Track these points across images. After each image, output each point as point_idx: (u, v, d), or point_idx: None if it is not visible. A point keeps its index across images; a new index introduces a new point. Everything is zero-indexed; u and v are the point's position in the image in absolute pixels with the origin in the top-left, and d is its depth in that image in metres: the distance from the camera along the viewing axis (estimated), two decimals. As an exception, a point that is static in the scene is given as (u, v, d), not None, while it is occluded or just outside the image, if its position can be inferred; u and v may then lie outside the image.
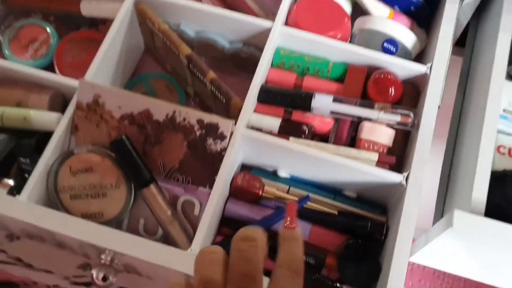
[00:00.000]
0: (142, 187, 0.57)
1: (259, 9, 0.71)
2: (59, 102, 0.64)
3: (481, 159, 0.56)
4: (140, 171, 0.58)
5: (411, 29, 0.68)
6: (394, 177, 0.57)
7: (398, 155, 0.60)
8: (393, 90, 0.62)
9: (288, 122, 0.63)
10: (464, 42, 0.78)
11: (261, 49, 0.65)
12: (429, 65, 0.63)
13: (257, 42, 0.68)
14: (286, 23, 0.68)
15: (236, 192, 0.61)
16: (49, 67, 0.71)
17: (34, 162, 0.58)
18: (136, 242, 0.53)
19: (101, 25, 0.75)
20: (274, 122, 0.62)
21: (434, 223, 0.64)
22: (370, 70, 0.65)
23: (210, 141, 0.58)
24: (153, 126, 0.60)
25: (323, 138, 0.63)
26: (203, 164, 0.59)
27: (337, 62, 0.66)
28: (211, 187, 0.56)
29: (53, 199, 0.59)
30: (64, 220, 0.54)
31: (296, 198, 0.60)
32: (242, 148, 0.61)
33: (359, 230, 0.58)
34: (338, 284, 0.56)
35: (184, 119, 0.59)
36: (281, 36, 0.66)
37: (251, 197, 0.60)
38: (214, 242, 0.60)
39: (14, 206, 0.54)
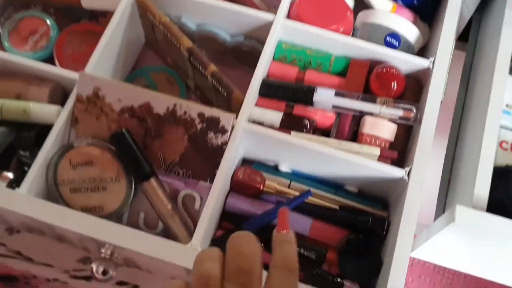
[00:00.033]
0: (142, 181, 0.57)
1: (261, 2, 0.71)
2: (59, 94, 0.64)
3: (483, 155, 0.56)
4: (141, 165, 0.57)
5: (414, 23, 0.68)
6: (396, 172, 0.57)
7: (400, 149, 0.60)
8: (395, 85, 0.62)
9: (290, 116, 0.62)
10: (467, 36, 0.78)
11: (262, 43, 0.64)
12: (431, 59, 0.63)
13: (258, 35, 0.68)
14: (288, 16, 0.67)
15: (237, 187, 0.60)
16: (49, 60, 0.70)
17: (33, 155, 0.58)
18: (136, 236, 0.52)
19: (101, 17, 0.75)
20: (275, 116, 0.62)
21: (435, 218, 0.64)
22: (373, 64, 0.64)
23: (211, 134, 0.58)
24: (153, 119, 0.59)
25: (324, 132, 0.63)
26: (204, 158, 0.59)
27: (339, 56, 0.66)
28: (212, 181, 0.56)
29: (52, 192, 0.59)
30: (64, 213, 0.54)
31: (297, 193, 0.60)
32: (243, 142, 0.61)
33: (360, 225, 0.58)
34: (339, 279, 0.56)
35: (185, 113, 0.58)
36: (283, 29, 0.66)
37: (252, 191, 0.60)
38: (214, 237, 0.59)
39: (13, 199, 0.54)
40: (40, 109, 0.60)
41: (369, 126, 0.60)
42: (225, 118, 0.57)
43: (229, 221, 0.61)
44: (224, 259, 0.32)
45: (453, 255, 0.64)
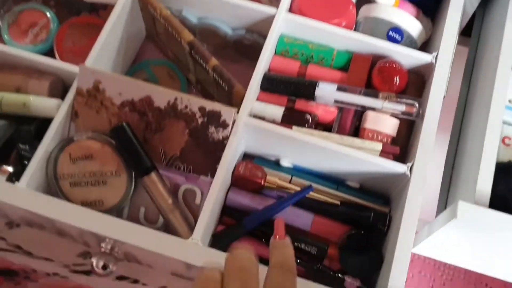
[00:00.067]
0: (142, 175, 0.57)
1: (263, -4, 0.70)
2: (59, 88, 0.63)
3: (486, 150, 0.56)
4: (141, 159, 0.57)
5: (417, 17, 0.67)
6: (398, 168, 0.56)
7: (402, 145, 0.60)
8: (398, 79, 0.62)
9: (291, 110, 0.62)
10: (470, 32, 0.77)
11: (264, 36, 0.64)
12: (434, 54, 0.62)
13: (260, 29, 0.68)
14: (290, 10, 0.67)
15: (238, 181, 0.60)
16: (49, 53, 0.70)
17: (33, 148, 0.57)
18: (136, 230, 0.52)
19: (101, 10, 0.74)
20: (277, 111, 0.61)
21: (437, 214, 0.63)
22: (375, 59, 0.64)
23: (212, 129, 0.58)
24: (154, 113, 0.59)
25: (326, 127, 0.62)
26: (204, 152, 0.59)
27: (342, 50, 0.65)
28: (212, 176, 0.56)
29: (52, 186, 0.58)
30: (64, 207, 0.53)
31: (298, 188, 0.60)
32: (244, 137, 0.60)
33: (362, 221, 0.58)
34: (340, 275, 0.56)
35: (186, 107, 0.58)
36: (285, 23, 0.65)
37: (253, 186, 0.60)
38: (215, 232, 0.59)
39: (13, 193, 0.54)
40: (40, 103, 0.60)
41: (371, 121, 0.60)
42: (226, 112, 0.57)
43: (230, 216, 0.60)
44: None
45: (454, 251, 0.63)
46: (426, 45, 0.70)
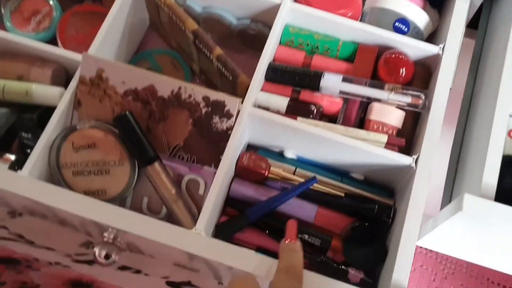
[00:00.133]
0: (146, 165, 0.56)
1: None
2: (62, 76, 0.63)
3: (492, 143, 0.55)
4: (144, 148, 0.56)
5: (424, 8, 0.66)
6: (403, 160, 0.56)
7: (407, 137, 0.59)
8: (404, 71, 0.61)
9: (296, 101, 0.61)
10: (477, 24, 0.76)
11: (269, 26, 0.63)
12: (441, 45, 0.62)
13: (265, 19, 0.67)
14: (296, -1, 0.66)
15: (241, 172, 0.60)
16: (52, 41, 0.69)
17: (36, 137, 0.57)
18: (139, 219, 0.52)
19: (105, -2, 0.74)
20: (281, 101, 0.61)
21: (441, 208, 0.63)
22: (381, 50, 0.63)
23: (216, 119, 0.57)
24: (157, 102, 0.58)
25: (331, 118, 0.62)
26: (208, 142, 0.58)
27: (347, 41, 0.65)
28: (216, 166, 0.55)
29: (55, 175, 0.58)
30: (66, 196, 0.53)
31: (302, 180, 0.59)
32: (248, 128, 0.60)
33: (366, 213, 0.58)
34: (343, 267, 0.56)
35: (190, 96, 0.57)
36: (290, 13, 0.65)
37: (256, 177, 0.59)
38: (218, 222, 0.59)
39: (15, 181, 0.53)
40: (42, 91, 0.59)
41: (377, 113, 0.59)
42: (230, 102, 0.56)
43: (233, 207, 0.60)
44: None
45: (459, 244, 0.63)
46: (432, 37, 0.69)
